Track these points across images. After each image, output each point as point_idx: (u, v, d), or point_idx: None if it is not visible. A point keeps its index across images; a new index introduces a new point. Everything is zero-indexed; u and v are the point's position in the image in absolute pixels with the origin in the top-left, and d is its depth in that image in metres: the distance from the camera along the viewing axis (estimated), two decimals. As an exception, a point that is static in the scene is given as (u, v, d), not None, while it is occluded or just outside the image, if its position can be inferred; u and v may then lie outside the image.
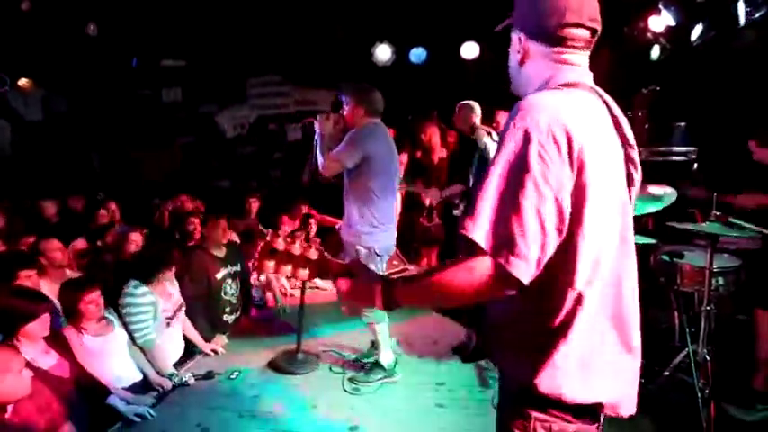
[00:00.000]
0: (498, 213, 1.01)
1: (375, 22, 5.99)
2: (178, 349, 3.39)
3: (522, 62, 1.22)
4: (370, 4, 5.48)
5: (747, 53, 4.26)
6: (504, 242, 1.00)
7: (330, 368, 3.34)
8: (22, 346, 2.26)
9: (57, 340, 2.51)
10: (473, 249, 1.02)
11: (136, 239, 3.67)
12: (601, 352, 1.12)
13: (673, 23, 4.60)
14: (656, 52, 5.04)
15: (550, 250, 1.02)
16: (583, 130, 1.04)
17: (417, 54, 6.28)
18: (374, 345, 3.31)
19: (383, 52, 6.12)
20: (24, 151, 7.33)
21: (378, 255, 3.00)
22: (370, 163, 2.89)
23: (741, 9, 3.94)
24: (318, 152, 3.02)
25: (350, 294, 1.22)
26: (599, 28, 1.18)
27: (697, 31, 4.56)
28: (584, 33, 1.17)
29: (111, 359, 2.85)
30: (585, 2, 1.15)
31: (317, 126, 3.05)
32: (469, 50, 6.03)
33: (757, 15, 3.80)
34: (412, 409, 2.89)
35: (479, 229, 1.01)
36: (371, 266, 2.92)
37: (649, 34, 4.93)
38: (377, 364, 3.12)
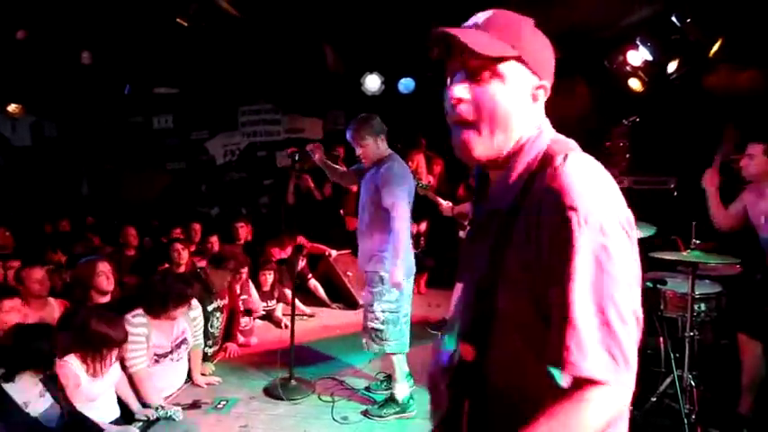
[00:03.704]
0: (599, 331, 0.84)
1: (365, 53, 6.15)
2: (170, 388, 3.31)
3: (527, 105, 0.99)
4: (359, 34, 5.64)
5: (721, 88, 4.46)
6: (614, 362, 0.84)
7: (319, 397, 3.31)
8: (18, 386, 2.19)
9: (51, 381, 2.40)
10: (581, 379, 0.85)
11: (104, 269, 3.42)
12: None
13: (650, 58, 4.81)
14: (634, 84, 5.25)
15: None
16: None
17: (406, 84, 6.44)
18: (387, 375, 3.34)
19: (372, 82, 6.26)
20: (11, 176, 7.28)
21: (403, 278, 3.00)
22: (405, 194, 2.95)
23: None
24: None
25: None
26: None
27: (673, 65, 4.77)
28: None
29: (101, 398, 2.77)
30: None
31: (316, 158, 3.08)
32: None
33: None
34: (402, 439, 2.87)
35: (590, 361, 0.83)
36: (395, 290, 2.93)
37: (628, 67, 5.13)
38: (392, 399, 3.07)
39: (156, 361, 3.18)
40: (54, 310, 3.33)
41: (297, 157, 3.38)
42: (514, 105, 0.96)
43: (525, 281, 0.92)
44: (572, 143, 1.00)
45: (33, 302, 3.23)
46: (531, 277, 0.91)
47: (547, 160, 0.94)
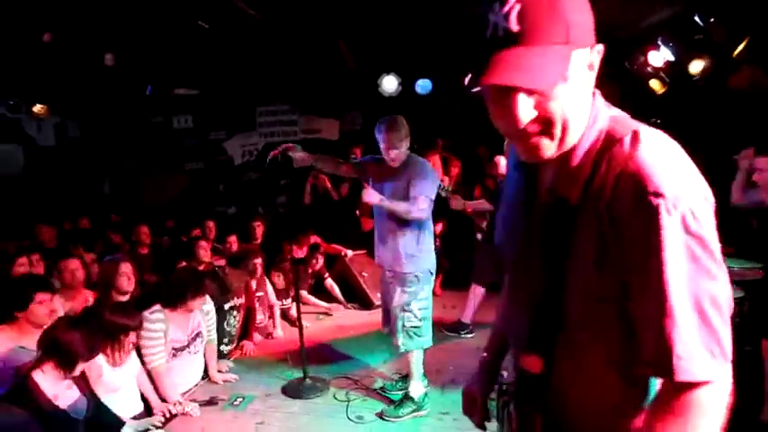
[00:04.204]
0: (701, 331, 0.79)
1: (382, 54, 6.16)
2: (187, 383, 3.36)
3: (587, 82, 0.87)
4: (376, 35, 5.66)
5: (746, 88, 4.37)
6: (716, 359, 0.80)
7: (334, 396, 3.33)
8: (49, 378, 2.22)
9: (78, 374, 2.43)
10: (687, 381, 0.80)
11: (126, 270, 3.43)
12: None
13: (672, 59, 4.73)
14: (656, 85, 5.16)
15: None
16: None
17: (423, 85, 6.43)
18: (402, 376, 3.37)
19: (390, 83, 6.27)
20: (35, 175, 7.47)
21: (431, 273, 3.06)
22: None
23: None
24: (397, 207, 2.89)
25: None
26: None
27: (696, 66, 4.69)
28: None
29: (123, 389, 2.82)
30: None
31: (368, 196, 2.97)
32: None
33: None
34: (416, 439, 2.87)
35: (698, 364, 0.79)
36: (426, 287, 3.00)
37: (649, 68, 5.06)
38: (407, 398, 3.08)
39: (174, 355, 3.23)
40: (87, 301, 3.43)
41: (279, 160, 3.41)
42: (580, 96, 0.85)
43: (599, 281, 0.84)
44: (629, 118, 0.90)
45: (66, 293, 3.33)
46: (607, 275, 0.83)
47: (610, 141, 0.85)
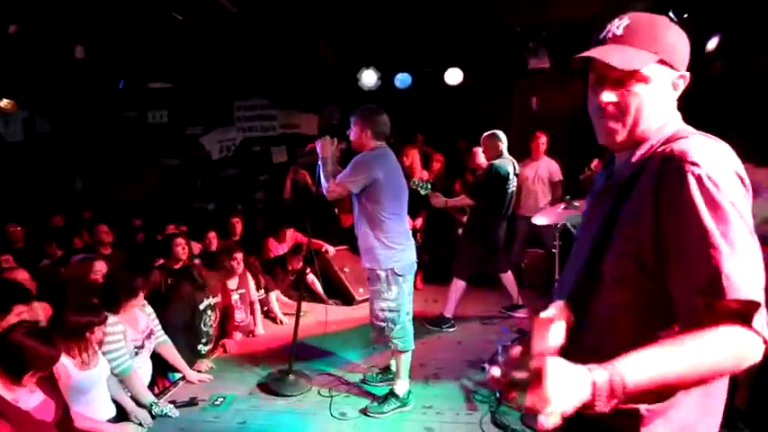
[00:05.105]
0: (747, 267, 0.89)
1: (361, 48, 6.12)
2: (145, 378, 3.26)
3: (667, 97, 1.08)
4: (355, 29, 5.62)
5: (719, 83, 4.47)
6: (758, 299, 0.88)
7: (318, 392, 3.31)
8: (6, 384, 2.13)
9: (45, 377, 2.31)
10: (719, 314, 0.87)
11: (100, 269, 3.41)
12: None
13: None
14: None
15: None
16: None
17: (402, 79, 6.42)
18: (384, 370, 3.40)
19: (369, 77, 6.24)
20: (3, 172, 7.21)
21: (398, 275, 2.98)
22: (378, 187, 2.88)
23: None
24: (322, 175, 3.01)
25: (553, 395, 0.80)
26: None
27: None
28: None
29: (94, 393, 2.73)
30: None
31: (318, 148, 3.05)
32: (453, 76, 6.19)
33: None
34: (400, 434, 2.87)
35: (749, 287, 0.87)
36: (394, 288, 2.96)
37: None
38: (392, 394, 3.07)
39: (136, 353, 3.14)
40: (38, 312, 3.29)
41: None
42: (656, 101, 1.06)
43: (633, 242, 1.00)
44: (696, 131, 1.07)
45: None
46: (641, 239, 0.98)
47: (670, 139, 1.03)
